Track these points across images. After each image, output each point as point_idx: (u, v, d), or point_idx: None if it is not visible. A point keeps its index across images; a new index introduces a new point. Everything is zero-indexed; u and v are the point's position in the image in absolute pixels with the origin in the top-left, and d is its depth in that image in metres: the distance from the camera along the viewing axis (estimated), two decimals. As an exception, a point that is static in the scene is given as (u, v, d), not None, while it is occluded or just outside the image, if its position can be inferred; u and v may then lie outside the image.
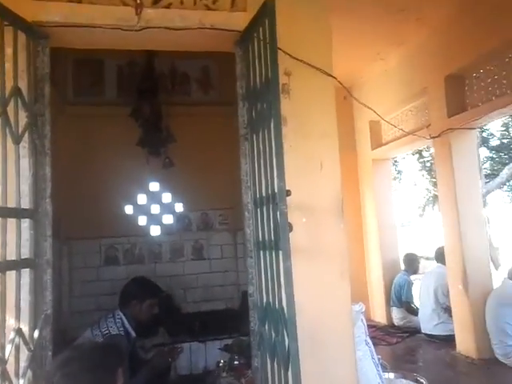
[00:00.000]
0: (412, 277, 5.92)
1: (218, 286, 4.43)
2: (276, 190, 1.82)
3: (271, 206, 1.94)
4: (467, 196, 4.31)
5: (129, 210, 4.35)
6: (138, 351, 2.90)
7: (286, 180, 1.79)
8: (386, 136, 6.02)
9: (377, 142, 6.10)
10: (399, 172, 16.83)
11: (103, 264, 4.25)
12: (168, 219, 4.46)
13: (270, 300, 1.94)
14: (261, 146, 2.03)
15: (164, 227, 4.46)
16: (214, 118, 4.43)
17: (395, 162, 13.94)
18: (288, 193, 1.82)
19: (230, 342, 3.16)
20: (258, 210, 2.12)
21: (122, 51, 3.99)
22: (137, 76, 4.26)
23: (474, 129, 4.49)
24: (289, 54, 2.24)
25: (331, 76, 2.40)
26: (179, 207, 4.49)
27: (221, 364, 2.77)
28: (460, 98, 4.30)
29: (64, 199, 3.42)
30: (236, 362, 2.84)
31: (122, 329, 2.59)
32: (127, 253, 4.32)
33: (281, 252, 1.79)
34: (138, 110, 3.88)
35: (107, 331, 2.52)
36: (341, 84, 2.70)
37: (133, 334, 2.70)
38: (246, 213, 2.32)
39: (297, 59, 2.28)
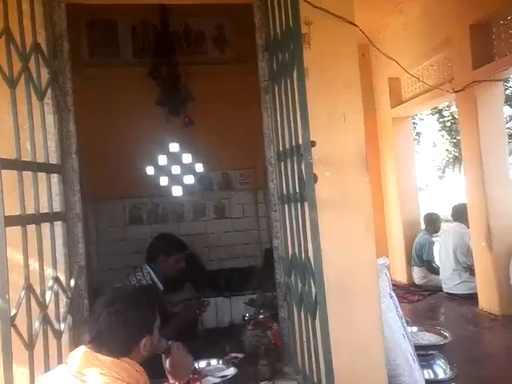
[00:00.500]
0: (434, 238, 5.90)
1: (241, 245, 4.51)
2: (300, 142, 1.80)
3: (295, 158, 1.93)
4: (492, 151, 4.21)
5: (150, 170, 4.40)
6: (166, 304, 3.01)
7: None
8: (405, 93, 5.86)
9: (396, 100, 5.96)
10: (418, 134, 16.45)
11: (128, 223, 4.35)
12: (189, 179, 4.50)
13: (296, 251, 1.96)
14: (283, 98, 1.99)
15: (185, 187, 4.51)
16: (231, 76, 4.38)
17: (414, 123, 13.62)
18: (313, 143, 1.79)
19: (254, 297, 3.22)
20: (282, 163, 2.11)
21: (134, 11, 3.95)
22: (151, 35, 4.20)
23: (501, 80, 4.32)
24: (309, 2, 2.16)
25: (353, 24, 2.31)
26: (199, 167, 4.52)
27: (246, 318, 2.84)
28: (486, 47, 4.12)
29: (87, 160, 3.46)
30: (261, 316, 2.90)
31: (150, 282, 2.68)
32: (151, 212, 4.40)
33: (306, 203, 1.79)
34: (155, 69, 3.83)
35: (137, 284, 2.62)
36: (363, 33, 2.61)
37: (160, 286, 2.79)
38: (269, 167, 2.32)
39: (317, 7, 2.19)
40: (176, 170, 4.47)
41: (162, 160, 4.42)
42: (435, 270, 5.52)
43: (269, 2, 2.07)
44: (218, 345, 2.83)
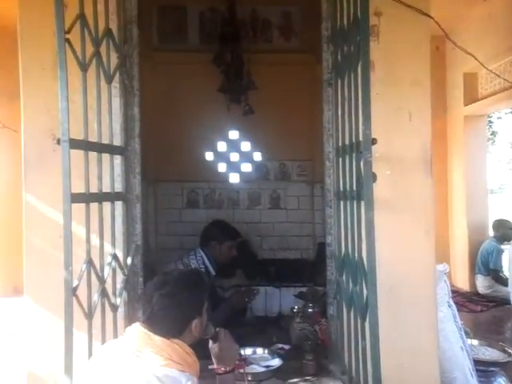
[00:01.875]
0: (503, 246, 5.50)
1: (294, 236, 4.47)
2: (361, 138, 1.74)
3: (354, 154, 1.87)
4: None
5: (209, 156, 4.47)
6: (216, 289, 3.07)
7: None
8: (482, 90, 5.47)
9: (471, 97, 5.58)
10: (494, 133, 15.39)
11: (185, 206, 4.46)
12: (246, 167, 4.53)
13: (349, 250, 1.91)
14: (346, 92, 1.93)
15: (243, 175, 4.53)
16: (295, 66, 4.30)
17: (490, 122, 12.74)
18: (374, 141, 1.72)
19: (304, 290, 3.20)
20: (340, 159, 2.05)
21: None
22: (218, 22, 4.23)
23: None
24: (379, -9, 2.05)
25: (427, 16, 2.17)
26: (258, 156, 4.52)
27: (295, 310, 2.83)
28: None
29: (149, 142, 3.58)
30: (310, 310, 2.88)
31: (202, 266, 2.76)
32: (207, 197, 4.48)
33: (363, 202, 1.73)
34: (219, 56, 3.86)
35: (189, 266, 2.69)
36: (438, 25, 2.45)
37: (212, 271, 2.85)
38: (327, 162, 2.27)
39: (389, -3, 2.08)
40: (234, 157, 4.50)
41: (222, 146, 4.48)
42: (502, 281, 5.15)
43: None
44: (264, 334, 2.86)
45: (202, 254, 2.89)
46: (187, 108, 4.19)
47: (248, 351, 2.43)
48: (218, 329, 1.70)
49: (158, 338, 1.42)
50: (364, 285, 1.72)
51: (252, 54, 3.98)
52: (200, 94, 4.14)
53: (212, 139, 4.41)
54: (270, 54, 4.24)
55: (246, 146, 4.48)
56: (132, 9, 2.08)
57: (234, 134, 4.44)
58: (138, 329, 1.47)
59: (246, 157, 4.51)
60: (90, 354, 1.70)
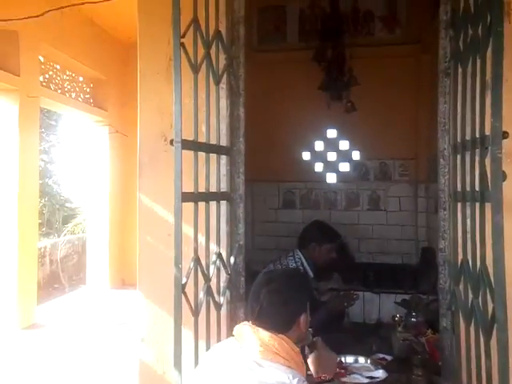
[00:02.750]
0: None
1: (395, 240, 4.24)
2: (487, 132, 1.55)
3: (478, 151, 1.67)
4: None
5: (306, 156, 4.42)
6: (313, 292, 3.00)
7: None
8: None
9: None
10: None
11: (281, 207, 4.47)
12: (344, 167, 4.40)
13: (469, 257, 1.72)
14: (468, 81, 1.74)
15: (340, 175, 4.42)
16: (399, 58, 4.10)
17: None
18: (504, 135, 1.52)
19: (406, 297, 3.01)
20: (458, 156, 1.86)
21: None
22: (318, 18, 4.16)
23: None
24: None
25: None
26: (356, 155, 4.37)
27: (396, 318, 2.66)
28: None
29: (247, 142, 3.62)
30: (413, 319, 2.70)
31: (300, 267, 2.70)
32: (303, 198, 4.44)
33: (488, 204, 1.54)
34: (320, 52, 3.78)
35: (288, 267, 2.66)
36: None
37: (310, 274, 2.79)
38: (442, 160, 2.07)
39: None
40: (332, 156, 4.40)
41: (319, 146, 4.40)
42: None
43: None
44: (363, 341, 2.73)
45: (301, 255, 2.84)
46: (285, 107, 4.19)
47: (349, 359, 2.32)
48: (315, 338, 1.66)
49: (265, 333, 1.43)
50: (489, 298, 1.54)
51: (354, 48, 3.85)
52: (299, 93, 4.11)
53: (309, 138, 4.37)
54: (372, 48, 4.08)
55: (344, 144, 4.35)
56: (240, 9, 2.10)
57: (331, 133, 4.35)
58: (245, 325, 1.49)
59: (344, 156, 4.39)
60: (196, 350, 1.74)
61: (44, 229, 9.69)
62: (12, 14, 3.21)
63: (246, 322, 1.52)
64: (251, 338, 1.44)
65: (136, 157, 2.23)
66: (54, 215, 10.20)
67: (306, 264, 2.82)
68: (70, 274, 7.19)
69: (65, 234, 8.29)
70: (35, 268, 4.43)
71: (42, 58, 4.46)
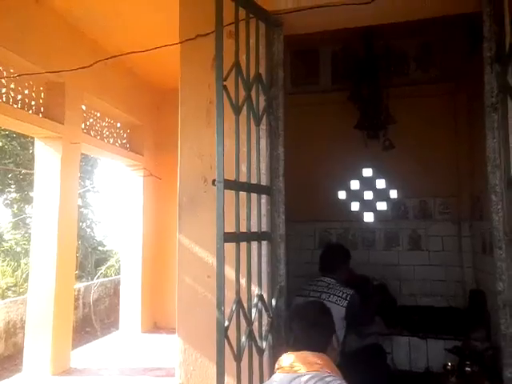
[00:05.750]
0: None
1: (439, 281, 4.02)
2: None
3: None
4: None
5: (342, 195, 4.36)
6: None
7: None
8: None
9: None
10: None
11: (317, 247, 4.35)
12: (382, 206, 4.30)
13: (533, 300, 1.59)
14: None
15: (378, 214, 4.31)
16: (434, 97, 4.07)
17: None
18: None
19: (457, 344, 2.81)
20: (512, 192, 1.77)
21: (336, 37, 4.04)
22: (351, 60, 4.21)
23: None
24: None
25: None
26: (394, 194, 4.27)
27: (448, 367, 2.48)
28: None
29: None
30: (468, 369, 2.51)
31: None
32: (340, 237, 4.32)
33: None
34: (356, 93, 3.80)
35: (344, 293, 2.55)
36: None
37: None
38: (493, 196, 1.97)
39: None
40: (368, 195, 4.32)
41: (355, 185, 4.34)
42: None
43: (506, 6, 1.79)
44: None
45: (332, 281, 2.73)
46: (320, 147, 4.19)
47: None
48: None
49: (306, 352, 1.53)
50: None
51: (388, 87, 3.85)
52: (334, 133, 4.11)
53: (345, 178, 4.32)
54: (407, 87, 4.07)
55: (380, 183, 4.27)
56: (279, 53, 2.15)
57: (367, 172, 4.29)
58: (285, 354, 1.57)
59: (381, 195, 4.29)
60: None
61: (77, 272, 9.84)
62: (59, 66, 3.40)
63: (285, 355, 1.57)
64: (295, 361, 1.50)
65: (169, 199, 2.26)
66: (87, 258, 10.37)
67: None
68: (102, 317, 7.17)
69: (98, 277, 8.37)
70: (71, 311, 4.44)
71: (84, 107, 4.67)
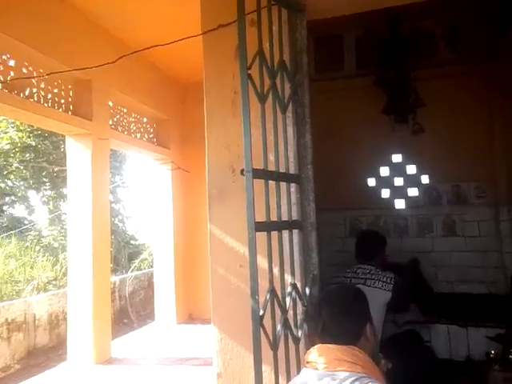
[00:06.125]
0: None
1: (476, 267, 3.91)
2: None
3: None
4: None
5: (371, 182, 4.28)
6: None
7: None
8: None
9: None
10: None
11: (348, 235, 4.31)
12: (413, 192, 4.20)
13: None
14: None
15: (409, 200, 4.21)
16: (464, 77, 3.91)
17: None
18: None
19: (500, 331, 2.73)
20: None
21: (359, 22, 3.95)
22: (376, 45, 4.11)
23: None
24: None
25: None
26: (425, 179, 4.16)
27: (492, 355, 2.41)
28: None
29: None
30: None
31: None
32: (371, 225, 4.25)
33: None
34: (382, 77, 3.70)
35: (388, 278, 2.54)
36: None
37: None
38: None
39: None
40: (399, 181, 4.23)
41: (384, 171, 4.26)
42: None
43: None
44: (454, 381, 2.49)
45: (372, 267, 2.69)
46: (347, 134, 4.13)
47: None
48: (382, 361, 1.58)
49: (334, 346, 1.40)
50: None
51: (416, 70, 3.74)
52: (360, 119, 4.04)
53: (374, 164, 4.25)
54: (436, 68, 3.93)
55: (411, 168, 4.18)
56: (302, 38, 2.11)
57: (397, 158, 4.20)
58: (315, 347, 1.45)
59: (412, 180, 4.19)
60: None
61: (111, 265, 10.13)
62: (85, 64, 3.47)
63: (312, 349, 1.47)
64: (324, 354, 1.39)
65: (198, 192, 2.27)
66: (120, 252, 10.64)
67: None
68: (138, 309, 7.37)
69: (132, 270, 8.57)
70: (109, 303, 4.57)
71: (110, 103, 4.75)
